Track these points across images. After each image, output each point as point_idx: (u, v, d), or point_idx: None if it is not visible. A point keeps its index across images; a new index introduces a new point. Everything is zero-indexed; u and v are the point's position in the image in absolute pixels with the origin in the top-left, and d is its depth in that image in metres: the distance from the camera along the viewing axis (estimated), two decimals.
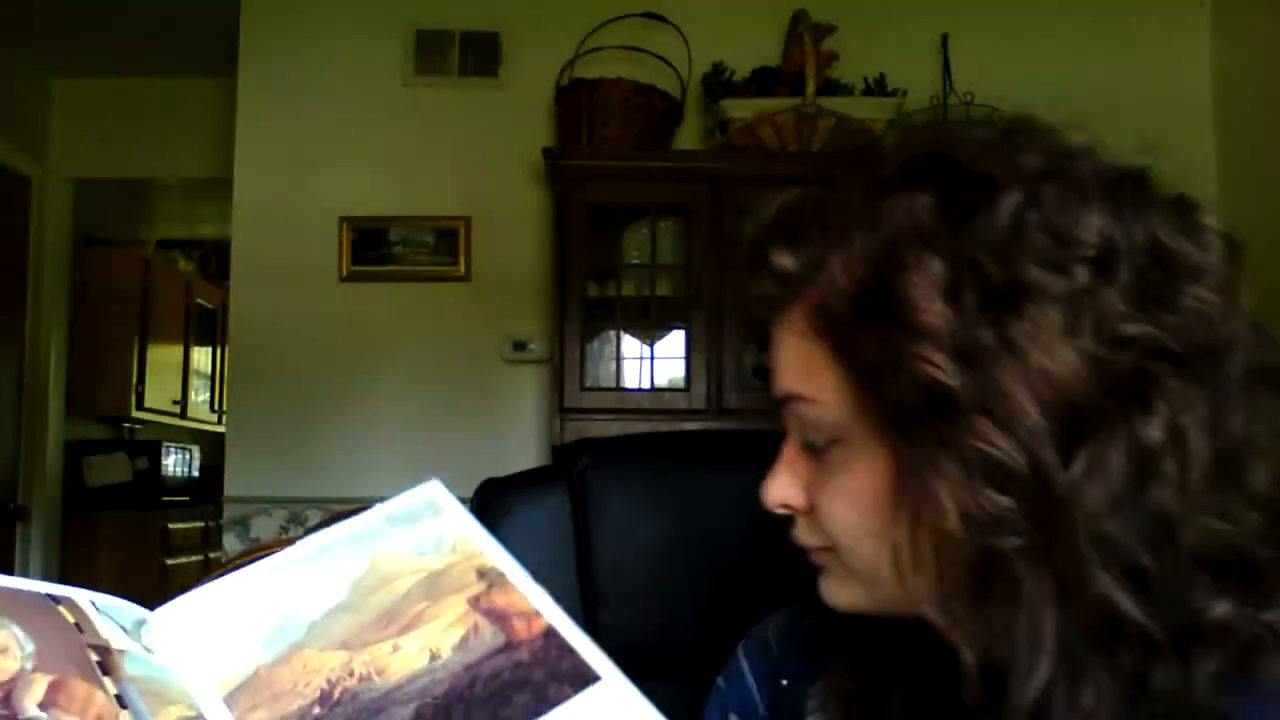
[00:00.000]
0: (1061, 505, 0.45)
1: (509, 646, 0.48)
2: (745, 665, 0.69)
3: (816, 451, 0.54)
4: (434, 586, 0.51)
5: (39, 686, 0.42)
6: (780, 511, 0.56)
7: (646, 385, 2.67)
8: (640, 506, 1.01)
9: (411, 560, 0.52)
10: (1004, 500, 0.45)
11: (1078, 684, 0.45)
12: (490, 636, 0.49)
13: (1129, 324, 0.46)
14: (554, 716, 0.45)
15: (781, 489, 0.55)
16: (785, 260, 0.53)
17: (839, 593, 0.56)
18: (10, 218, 3.61)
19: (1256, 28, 2.80)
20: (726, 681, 0.69)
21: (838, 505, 0.53)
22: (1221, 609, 0.46)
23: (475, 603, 0.50)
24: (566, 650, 0.48)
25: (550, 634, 0.49)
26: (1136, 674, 0.46)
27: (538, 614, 0.50)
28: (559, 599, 0.52)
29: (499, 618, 0.50)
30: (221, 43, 2.96)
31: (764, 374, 0.57)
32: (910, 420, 0.47)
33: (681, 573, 0.94)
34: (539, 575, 0.52)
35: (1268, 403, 0.49)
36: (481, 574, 0.52)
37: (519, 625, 0.49)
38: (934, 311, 0.46)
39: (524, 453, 2.76)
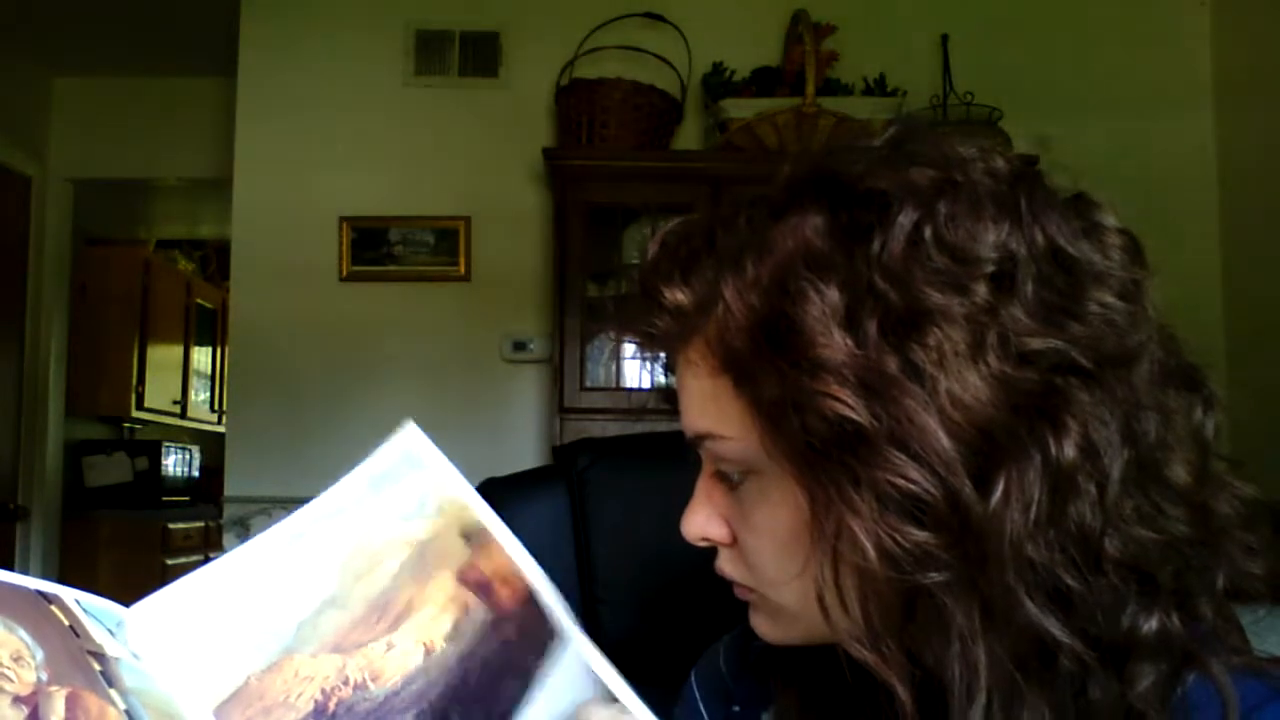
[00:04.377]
0: (981, 535, 0.43)
1: (498, 621, 0.48)
2: (698, 694, 0.68)
3: (733, 484, 0.52)
4: (422, 563, 0.50)
5: (59, 701, 0.41)
6: (702, 544, 0.55)
7: (646, 385, 2.66)
8: (640, 506, 1.01)
9: (396, 530, 0.51)
10: (922, 534, 0.44)
11: (1016, 710, 0.45)
12: (481, 615, 0.48)
13: (1035, 339, 0.44)
14: (537, 698, 0.45)
15: (700, 523, 0.54)
16: (677, 295, 0.51)
17: (768, 628, 0.55)
18: (10, 218, 3.60)
19: (1256, 27, 2.80)
20: (681, 710, 0.68)
21: (758, 539, 0.51)
22: (1153, 624, 0.45)
23: (464, 577, 0.49)
24: (545, 617, 0.48)
25: (531, 600, 0.49)
26: (1075, 693, 0.45)
27: (518, 575, 0.49)
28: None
29: (485, 589, 0.49)
30: (221, 43, 2.96)
31: (671, 397, 0.56)
32: (819, 455, 0.45)
33: (681, 572, 0.94)
34: None
35: (1178, 400, 0.48)
36: (467, 537, 0.50)
37: (503, 593, 0.49)
38: (833, 343, 0.44)
39: (524, 453, 2.75)
